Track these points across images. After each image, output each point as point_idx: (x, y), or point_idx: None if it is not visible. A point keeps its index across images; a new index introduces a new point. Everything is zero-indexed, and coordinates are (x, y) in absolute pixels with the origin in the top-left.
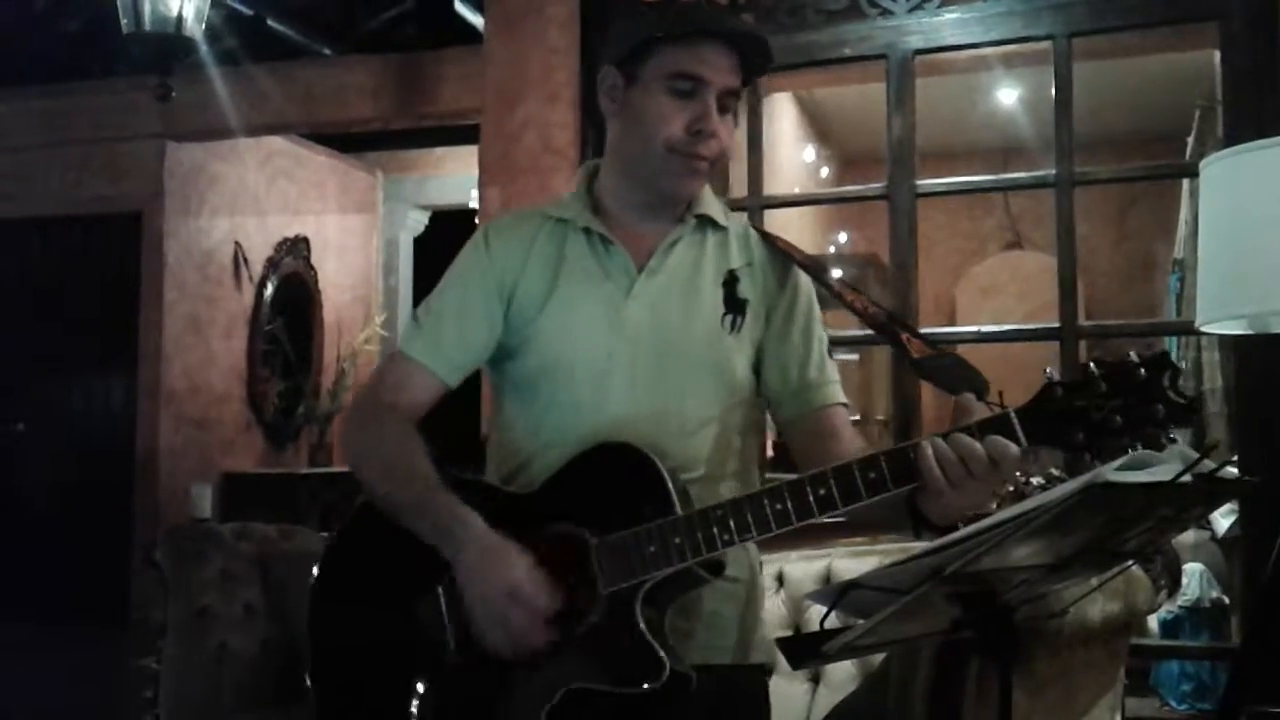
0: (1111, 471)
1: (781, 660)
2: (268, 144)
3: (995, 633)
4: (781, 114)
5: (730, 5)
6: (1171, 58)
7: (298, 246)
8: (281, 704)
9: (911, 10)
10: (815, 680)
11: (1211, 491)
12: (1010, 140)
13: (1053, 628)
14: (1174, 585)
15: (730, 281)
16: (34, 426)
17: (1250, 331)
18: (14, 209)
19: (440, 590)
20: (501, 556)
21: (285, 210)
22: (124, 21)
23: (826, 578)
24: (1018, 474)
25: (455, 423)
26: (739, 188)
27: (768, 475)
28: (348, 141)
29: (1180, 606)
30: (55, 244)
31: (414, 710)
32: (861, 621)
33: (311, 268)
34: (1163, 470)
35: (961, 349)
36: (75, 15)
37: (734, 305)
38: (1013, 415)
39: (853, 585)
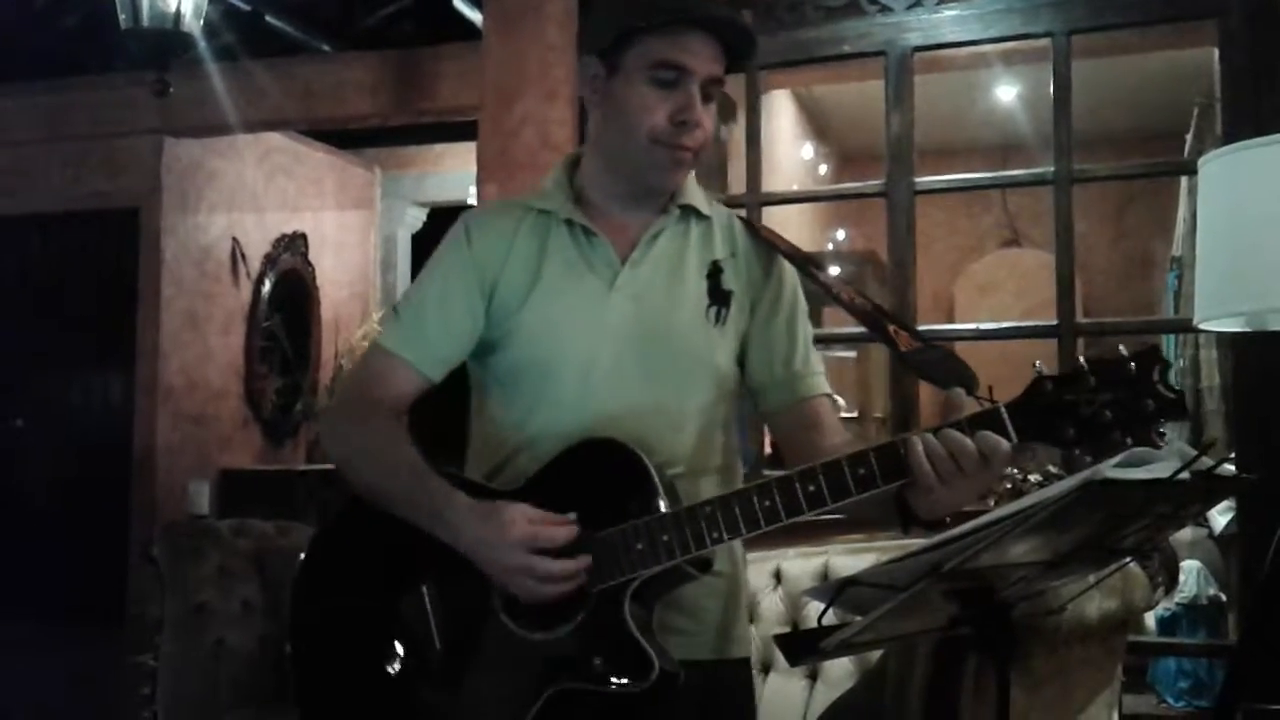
0: (1110, 468)
1: (778, 657)
2: (266, 140)
3: (993, 629)
4: (780, 111)
5: (730, 2)
6: (1170, 55)
7: (296, 243)
8: (279, 700)
9: (910, 7)
10: (813, 677)
11: (1209, 489)
12: (1009, 137)
13: (1050, 625)
14: (1171, 582)
15: (714, 272)
16: (32, 423)
17: (1248, 329)
18: (12, 205)
19: (424, 590)
20: (498, 516)
21: (283, 207)
22: (122, 17)
23: (824, 574)
24: (1015, 470)
25: (442, 415)
26: (737, 185)
27: (764, 472)
28: (346, 138)
29: (1177, 604)
30: (53, 240)
31: (400, 709)
32: (859, 618)
33: (309, 264)
34: (1161, 467)
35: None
36: (73, 11)
37: (718, 297)
38: (1003, 410)
39: (850, 582)
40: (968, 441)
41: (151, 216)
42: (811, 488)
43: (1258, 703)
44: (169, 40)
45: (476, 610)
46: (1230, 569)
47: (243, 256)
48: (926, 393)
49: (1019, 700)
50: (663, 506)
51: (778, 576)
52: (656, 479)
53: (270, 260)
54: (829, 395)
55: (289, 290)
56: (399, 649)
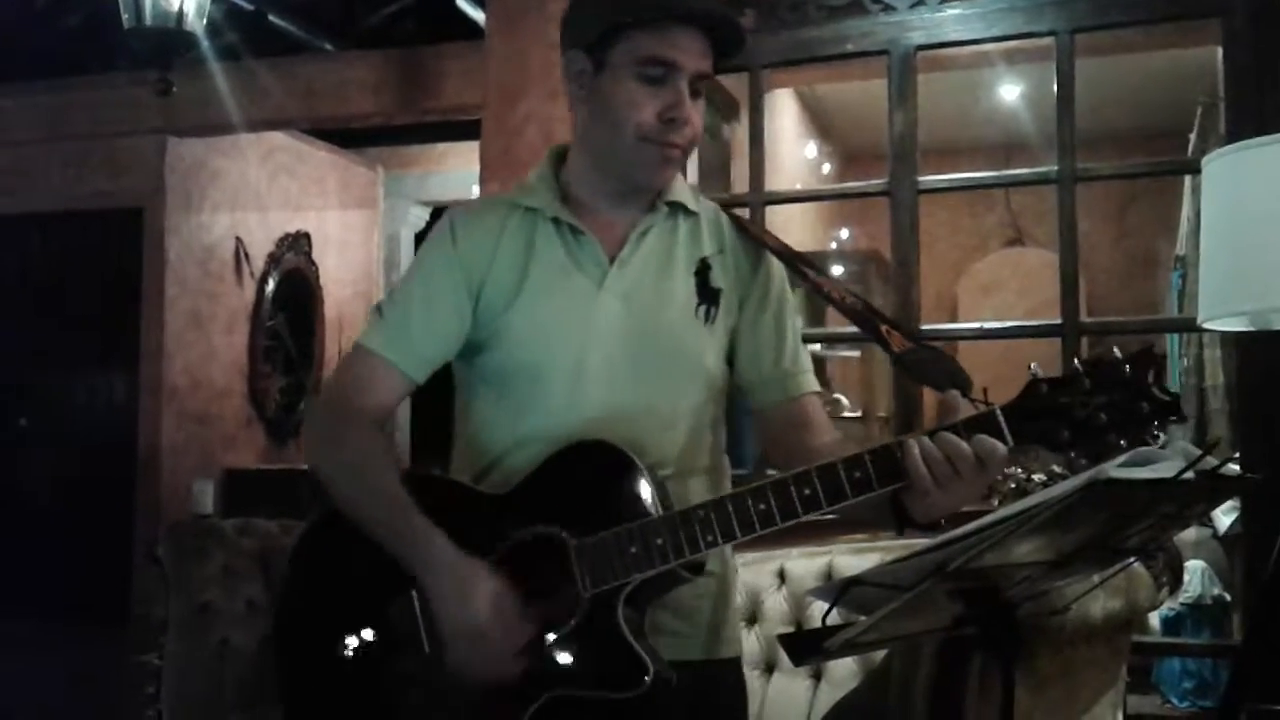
0: (1114, 468)
1: (783, 657)
2: (269, 139)
3: (997, 629)
4: (783, 110)
5: (733, 1)
6: (1174, 54)
7: (299, 242)
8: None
9: (914, 6)
10: (817, 677)
11: (1214, 488)
12: (1012, 136)
13: (1055, 625)
14: (1175, 582)
15: (703, 270)
16: (36, 422)
17: (1252, 328)
18: (14, 205)
19: (414, 592)
20: (471, 584)
21: (286, 206)
22: (125, 17)
23: (828, 574)
24: (1020, 470)
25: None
26: (741, 184)
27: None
28: (349, 137)
29: (1182, 604)
30: (56, 240)
31: (387, 713)
32: (863, 618)
33: (313, 263)
34: (1165, 467)
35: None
36: (76, 10)
37: (707, 295)
38: (999, 413)
39: (854, 582)
40: (964, 446)
41: (155, 216)
42: (807, 491)
43: (1262, 703)
44: (171, 39)
45: None
46: (1235, 569)
47: (246, 256)
48: (929, 392)
49: (1023, 700)
50: (656, 509)
51: (781, 576)
52: (649, 481)
53: (274, 259)
54: (818, 392)
55: (292, 289)
56: (386, 652)
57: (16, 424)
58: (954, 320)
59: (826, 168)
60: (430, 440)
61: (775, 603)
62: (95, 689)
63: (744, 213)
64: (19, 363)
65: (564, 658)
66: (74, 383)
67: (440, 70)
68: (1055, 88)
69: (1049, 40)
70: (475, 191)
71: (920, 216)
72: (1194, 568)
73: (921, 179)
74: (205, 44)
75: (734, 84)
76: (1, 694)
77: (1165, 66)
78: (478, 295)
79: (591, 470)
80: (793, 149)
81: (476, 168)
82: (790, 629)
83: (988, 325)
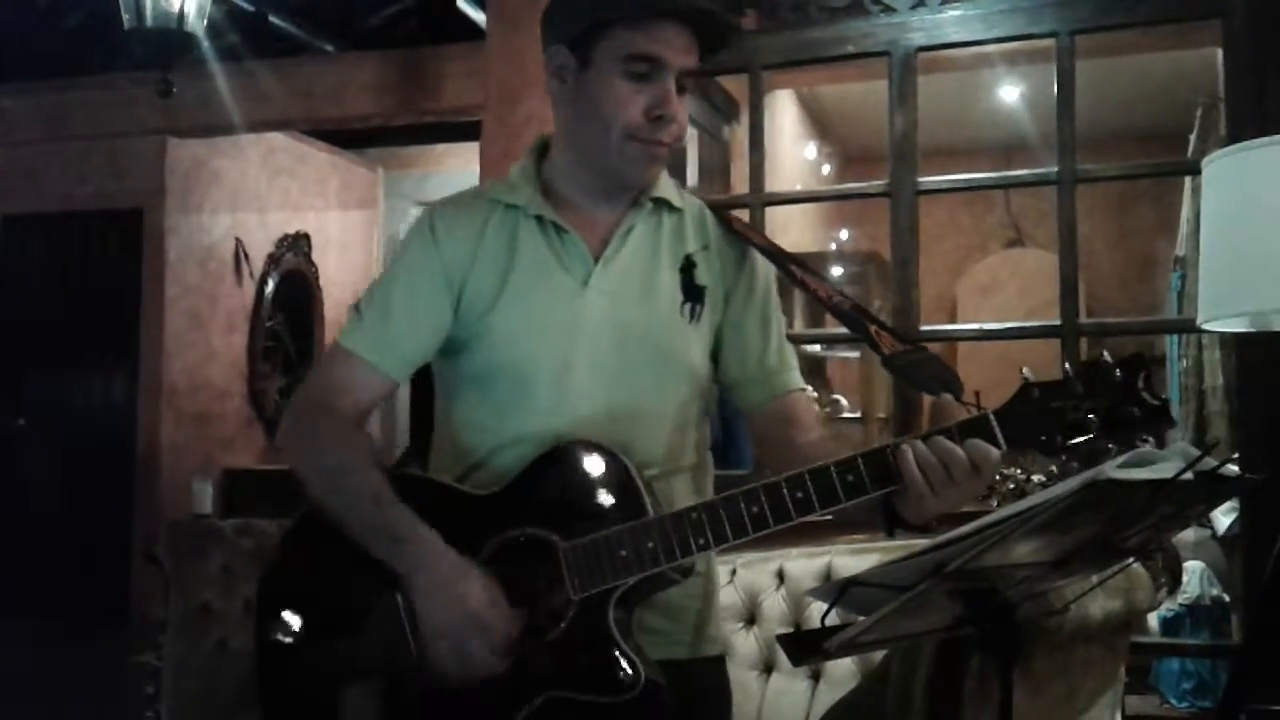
0: (1113, 468)
1: (781, 657)
2: (269, 140)
3: (996, 630)
4: (783, 111)
5: (733, 2)
6: (1174, 55)
7: (299, 243)
8: None
9: (914, 7)
10: (815, 677)
11: (1213, 489)
12: (1012, 137)
13: (1053, 625)
14: (1175, 583)
15: (687, 267)
16: (35, 422)
17: (1251, 329)
18: (15, 205)
19: (399, 595)
20: (459, 581)
21: (286, 206)
22: (125, 17)
23: (827, 575)
24: (1019, 470)
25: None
26: (740, 185)
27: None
28: (349, 138)
29: (1181, 604)
30: (56, 240)
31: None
32: (862, 618)
33: (312, 264)
34: (1164, 468)
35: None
36: (77, 11)
37: (692, 293)
38: (992, 418)
39: (854, 582)
40: (959, 451)
41: (155, 217)
42: (800, 494)
43: (1261, 704)
44: (172, 40)
45: None
46: (1234, 569)
47: (246, 256)
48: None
49: (1021, 701)
50: (646, 512)
51: (781, 576)
52: (640, 483)
53: (273, 260)
54: (804, 389)
55: (292, 290)
56: (372, 654)
57: (15, 424)
58: (953, 321)
59: (826, 169)
60: (428, 430)
61: (774, 603)
62: (94, 689)
63: (744, 213)
64: (18, 362)
65: (554, 662)
66: (74, 383)
67: (440, 71)
68: (1055, 89)
69: (1049, 41)
70: None
71: (920, 217)
72: (1193, 568)
73: (921, 180)
74: (206, 45)
75: (734, 85)
76: (0, 692)
77: (1165, 68)
78: (460, 294)
79: (580, 471)
80: (793, 150)
81: (476, 168)
82: (789, 629)
83: (987, 326)
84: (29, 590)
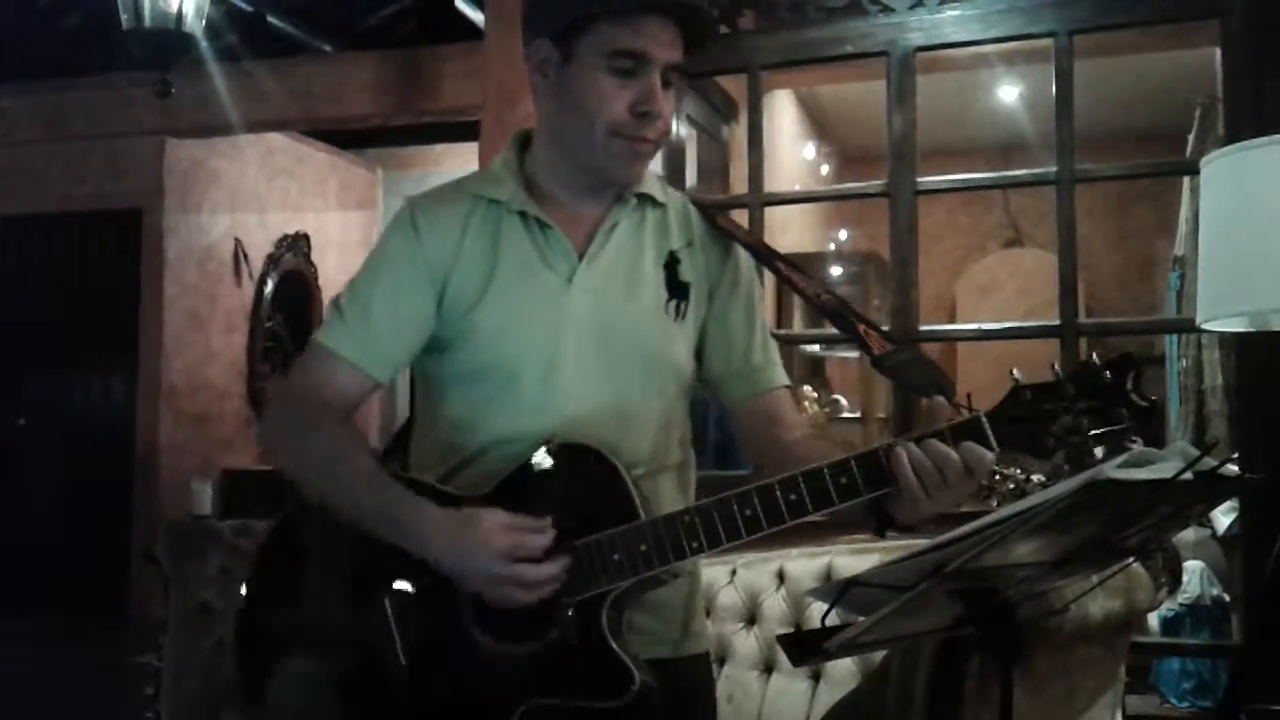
0: (1112, 468)
1: (782, 657)
2: (268, 141)
3: (996, 630)
4: (782, 111)
5: (732, 2)
6: (1172, 55)
7: (298, 243)
8: None
9: (912, 7)
10: (816, 677)
11: (1212, 489)
12: (1011, 137)
13: (1054, 625)
14: (1175, 583)
15: (671, 263)
16: (34, 422)
17: (1250, 329)
18: (14, 205)
19: (387, 600)
20: (475, 526)
21: (285, 207)
22: (124, 18)
23: (827, 575)
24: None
25: None
26: (739, 185)
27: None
28: (348, 138)
29: (1181, 604)
30: (55, 240)
31: None
32: (863, 619)
33: (311, 264)
34: (1164, 467)
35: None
36: (75, 11)
37: (676, 290)
38: (984, 420)
39: (854, 582)
40: (952, 454)
41: (154, 217)
42: (793, 496)
43: (1261, 704)
44: (171, 41)
45: (443, 622)
46: (1233, 569)
47: (245, 257)
48: None
49: (1022, 701)
50: (637, 514)
51: (781, 577)
52: (631, 486)
53: (273, 260)
54: (788, 386)
55: (291, 290)
56: (360, 662)
57: (16, 424)
58: (952, 321)
59: (825, 169)
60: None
61: (774, 603)
62: (94, 689)
63: (743, 213)
64: (18, 362)
65: (546, 666)
66: (73, 383)
67: (439, 71)
68: (1054, 89)
69: (1048, 41)
70: None
71: (919, 217)
72: (1193, 568)
73: (920, 180)
74: (204, 45)
75: (733, 85)
76: (0, 692)
77: (1164, 67)
78: (443, 291)
79: (572, 473)
80: (792, 150)
81: (475, 168)
82: (790, 630)
83: (986, 326)
84: (29, 590)
